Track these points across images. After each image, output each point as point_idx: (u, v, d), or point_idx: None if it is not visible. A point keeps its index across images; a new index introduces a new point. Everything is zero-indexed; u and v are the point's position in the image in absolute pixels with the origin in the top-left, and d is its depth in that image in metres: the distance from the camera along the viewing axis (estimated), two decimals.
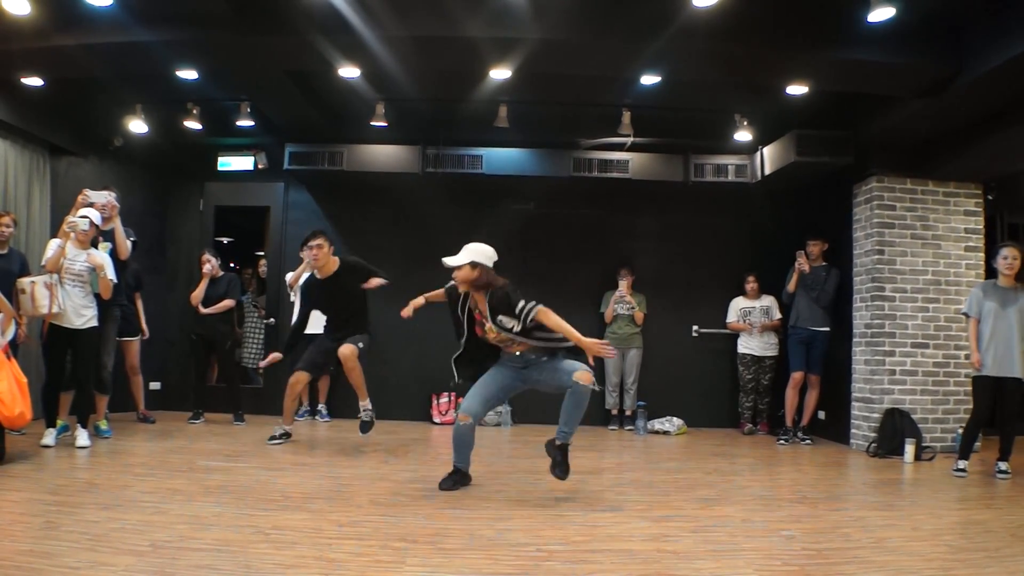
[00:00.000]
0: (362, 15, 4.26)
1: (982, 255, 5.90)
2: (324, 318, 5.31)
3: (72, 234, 4.65)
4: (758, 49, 4.52)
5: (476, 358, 3.92)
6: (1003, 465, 4.73)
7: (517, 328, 3.66)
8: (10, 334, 4.38)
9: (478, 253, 3.73)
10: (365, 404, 5.09)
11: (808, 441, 6.16)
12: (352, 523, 3.17)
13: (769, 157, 6.33)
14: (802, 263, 6.15)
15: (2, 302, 4.33)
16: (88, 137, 6.39)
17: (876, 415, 5.72)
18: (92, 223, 4.70)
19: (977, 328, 4.83)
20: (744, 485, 4.46)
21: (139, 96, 6.14)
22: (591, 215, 7.19)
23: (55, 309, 4.53)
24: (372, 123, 6.11)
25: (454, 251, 3.79)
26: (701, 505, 3.77)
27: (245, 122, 6.24)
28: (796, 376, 6.21)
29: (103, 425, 5.28)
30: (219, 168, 7.18)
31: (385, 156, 6.54)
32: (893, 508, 3.86)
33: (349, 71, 5.02)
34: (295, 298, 6.36)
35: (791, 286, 6.24)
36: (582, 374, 3.58)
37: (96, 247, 4.86)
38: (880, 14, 4.00)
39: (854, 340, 6.05)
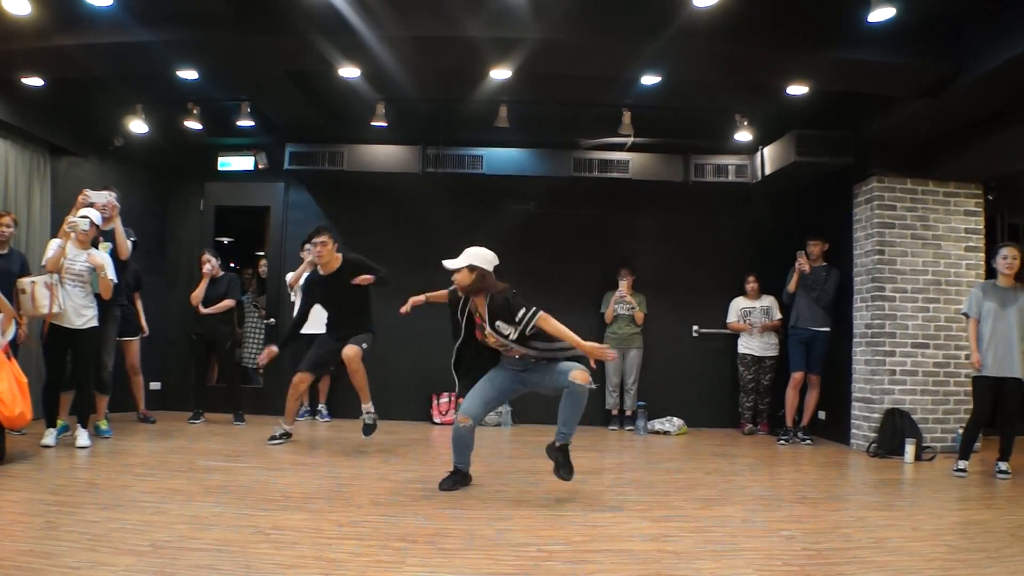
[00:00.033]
0: (362, 15, 4.26)
1: (982, 255, 5.90)
2: (325, 317, 5.32)
3: (72, 234, 4.65)
4: (758, 49, 4.51)
5: (476, 361, 3.92)
6: (1003, 465, 4.73)
7: (513, 336, 3.66)
8: (10, 334, 4.38)
9: (477, 257, 3.73)
10: (368, 407, 5.08)
11: (808, 441, 6.16)
12: (352, 523, 3.17)
13: (769, 157, 6.33)
14: (802, 263, 6.15)
15: (2, 302, 4.33)
16: (88, 137, 6.40)
17: (876, 415, 5.72)
18: (92, 223, 4.70)
19: (977, 328, 4.83)
20: (744, 485, 4.46)
21: (139, 96, 6.14)
22: (591, 215, 7.19)
23: (55, 309, 4.54)
24: (372, 123, 6.11)
25: (454, 251, 3.79)
26: (701, 505, 3.77)
27: (245, 122, 6.24)
28: (796, 376, 6.21)
29: (103, 425, 5.28)
30: (219, 168, 7.18)
31: (385, 156, 6.54)
32: (893, 508, 3.86)
33: (349, 71, 5.02)
34: (295, 298, 6.37)
35: (791, 286, 6.24)
36: (578, 373, 3.57)
37: (96, 247, 4.86)
38: (880, 14, 4.00)
39: (854, 340, 6.05)
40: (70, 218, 4.68)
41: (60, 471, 4.10)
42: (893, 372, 5.75)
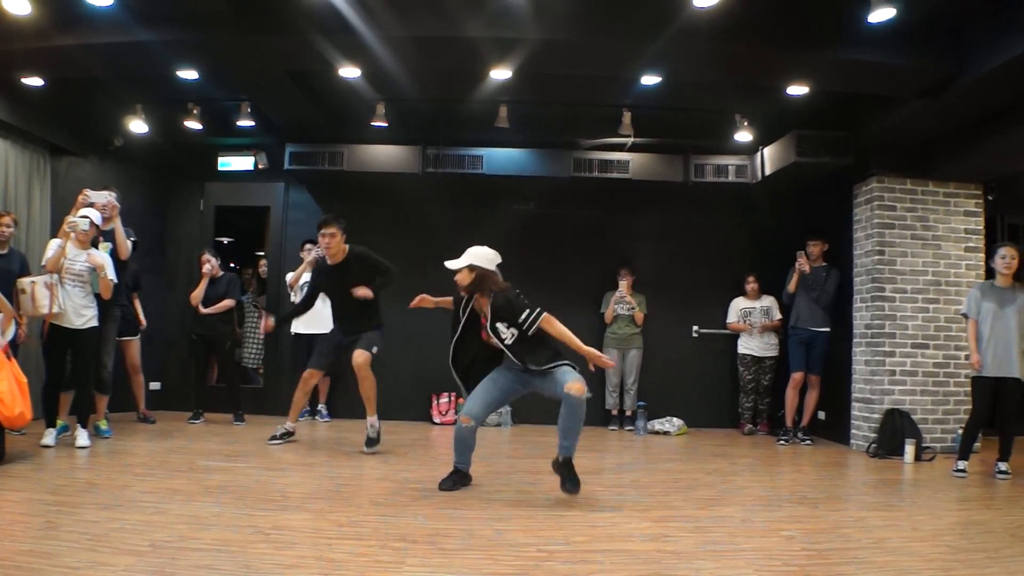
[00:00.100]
0: (362, 15, 4.26)
1: (982, 255, 5.90)
2: (326, 317, 5.31)
3: (72, 234, 4.65)
4: (758, 49, 4.51)
5: (479, 360, 3.92)
6: (1003, 465, 4.73)
7: (509, 340, 3.67)
8: (10, 334, 4.38)
9: (477, 256, 3.73)
10: (372, 420, 5.03)
11: (808, 441, 6.16)
12: (352, 523, 3.17)
13: (769, 157, 6.33)
14: (802, 263, 6.15)
15: (2, 302, 4.33)
16: (88, 137, 6.40)
17: (876, 415, 5.72)
18: (92, 223, 4.70)
19: (976, 329, 4.83)
20: (744, 485, 4.46)
21: (139, 96, 6.14)
22: (591, 215, 7.19)
23: (55, 309, 4.53)
24: (372, 123, 6.11)
25: (454, 251, 3.79)
26: (701, 505, 3.77)
27: (245, 122, 6.24)
28: (796, 376, 6.21)
29: (103, 425, 5.28)
30: (219, 168, 7.17)
31: (385, 156, 6.53)
32: (893, 508, 3.86)
33: (349, 71, 5.02)
34: (295, 298, 6.37)
35: (791, 286, 6.24)
36: (573, 384, 3.55)
37: (96, 247, 4.87)
38: (880, 14, 3.99)
39: (854, 340, 6.05)
40: (70, 218, 4.68)
41: (60, 471, 4.10)
42: (893, 372, 5.75)
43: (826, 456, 5.62)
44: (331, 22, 4.29)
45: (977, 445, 5.42)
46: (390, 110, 6.12)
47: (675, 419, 6.70)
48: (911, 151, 5.77)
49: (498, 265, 3.79)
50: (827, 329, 6.15)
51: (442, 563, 2.69)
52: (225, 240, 8.63)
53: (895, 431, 5.53)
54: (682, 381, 7.03)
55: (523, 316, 3.60)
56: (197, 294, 6.30)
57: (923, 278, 5.84)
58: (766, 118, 6.14)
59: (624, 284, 6.69)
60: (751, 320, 6.72)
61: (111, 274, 4.77)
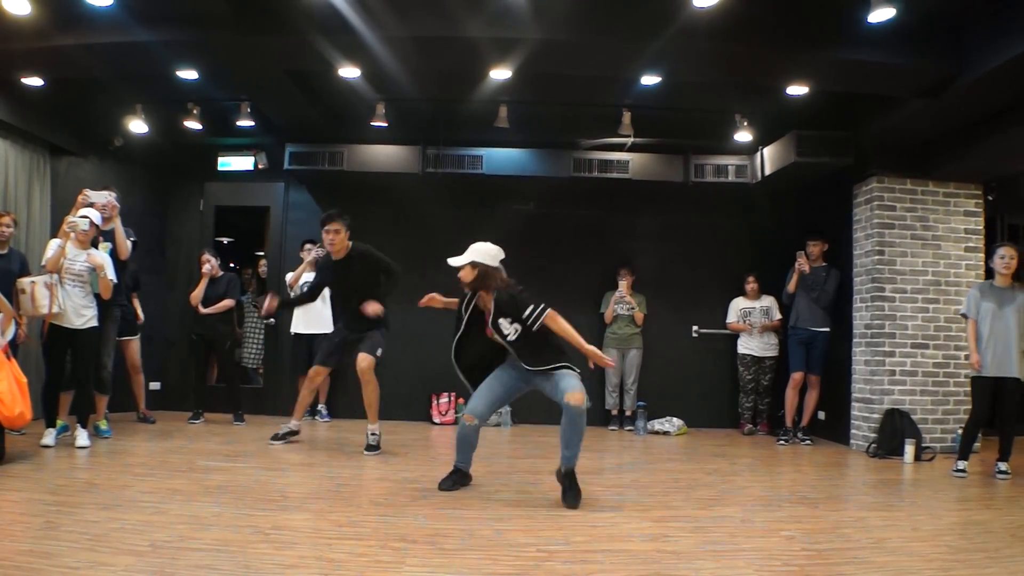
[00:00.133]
0: (362, 15, 4.26)
1: (982, 256, 5.90)
2: (326, 317, 5.31)
3: (72, 234, 4.65)
4: (758, 49, 4.51)
5: (485, 358, 3.91)
6: (1003, 465, 4.73)
7: (512, 336, 3.67)
8: (10, 334, 4.38)
9: (479, 253, 3.73)
10: (374, 428, 5.03)
11: (808, 441, 6.16)
12: (352, 523, 3.17)
13: (769, 157, 6.33)
14: (802, 263, 6.15)
15: (2, 302, 4.33)
16: (88, 137, 6.40)
17: (876, 415, 5.72)
18: (92, 223, 4.70)
19: (976, 329, 4.83)
20: (744, 485, 4.46)
21: (139, 96, 6.14)
22: (591, 215, 7.19)
23: (55, 309, 4.53)
24: (372, 123, 6.11)
25: (454, 251, 3.79)
26: (701, 505, 3.77)
27: (245, 122, 6.24)
28: (796, 376, 6.21)
29: (103, 425, 5.28)
30: (219, 168, 7.17)
31: (385, 156, 6.53)
32: (893, 508, 3.86)
33: (349, 71, 5.02)
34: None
35: (791, 286, 6.24)
36: (573, 394, 3.55)
37: (96, 247, 4.86)
38: (880, 14, 3.99)
39: (854, 340, 6.05)
40: (70, 218, 4.68)
41: (60, 471, 4.10)
42: (893, 372, 5.75)
43: (826, 456, 5.62)
44: (331, 22, 4.29)
45: (977, 445, 5.42)
46: (390, 110, 6.12)
47: (675, 419, 6.70)
48: (911, 151, 5.77)
49: (500, 262, 3.80)
50: (827, 329, 6.15)
51: (442, 563, 2.69)
52: (225, 240, 8.63)
53: (895, 431, 5.53)
54: (682, 381, 7.03)
55: (527, 312, 3.61)
56: (197, 294, 6.30)
57: (923, 278, 5.84)
58: (766, 118, 6.14)
59: (624, 284, 6.69)
60: (751, 320, 6.72)
61: (111, 274, 4.77)
